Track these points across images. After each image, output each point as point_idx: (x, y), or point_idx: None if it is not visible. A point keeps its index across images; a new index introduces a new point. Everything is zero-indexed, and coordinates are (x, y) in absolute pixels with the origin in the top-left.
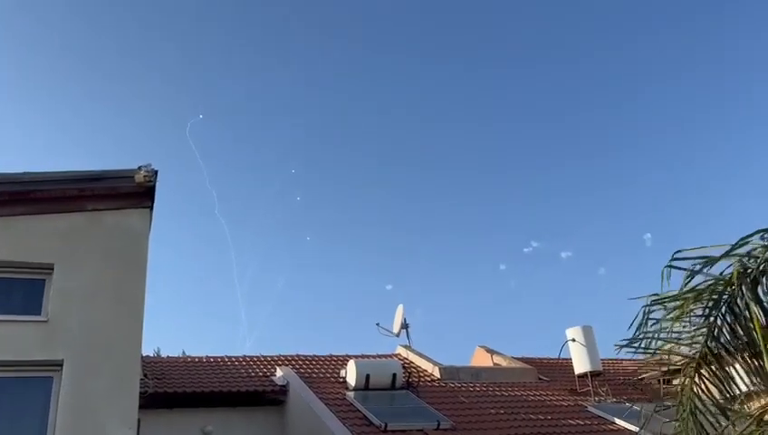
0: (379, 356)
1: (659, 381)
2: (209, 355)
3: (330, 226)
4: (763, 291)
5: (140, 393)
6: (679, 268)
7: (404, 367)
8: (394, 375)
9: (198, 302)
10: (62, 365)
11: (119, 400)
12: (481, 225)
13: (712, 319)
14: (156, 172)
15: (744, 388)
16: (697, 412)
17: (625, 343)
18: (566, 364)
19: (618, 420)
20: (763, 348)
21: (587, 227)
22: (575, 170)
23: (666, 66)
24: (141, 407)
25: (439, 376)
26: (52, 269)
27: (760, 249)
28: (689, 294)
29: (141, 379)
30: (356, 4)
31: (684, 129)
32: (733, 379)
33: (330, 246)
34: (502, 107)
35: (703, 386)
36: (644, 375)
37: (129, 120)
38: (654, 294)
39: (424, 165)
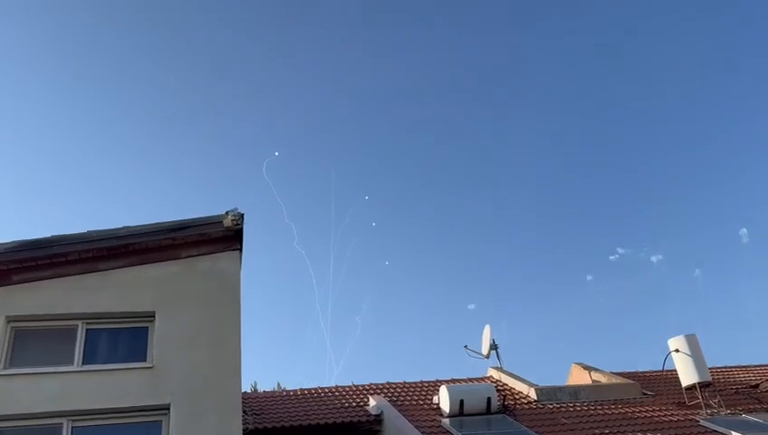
0: (471, 380)
1: None
2: (303, 388)
3: (405, 249)
4: None
5: (243, 430)
6: None
7: (498, 390)
8: (489, 399)
9: (287, 333)
10: (169, 409)
11: None
12: (562, 236)
13: None
14: (242, 215)
15: None
16: None
17: None
18: (671, 376)
19: (735, 434)
20: None
21: (676, 228)
22: (658, 170)
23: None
24: None
25: (536, 398)
26: (154, 317)
27: None
28: None
29: (242, 415)
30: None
31: None
32: None
33: (407, 270)
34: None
35: None
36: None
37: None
38: None
39: (497, 182)
